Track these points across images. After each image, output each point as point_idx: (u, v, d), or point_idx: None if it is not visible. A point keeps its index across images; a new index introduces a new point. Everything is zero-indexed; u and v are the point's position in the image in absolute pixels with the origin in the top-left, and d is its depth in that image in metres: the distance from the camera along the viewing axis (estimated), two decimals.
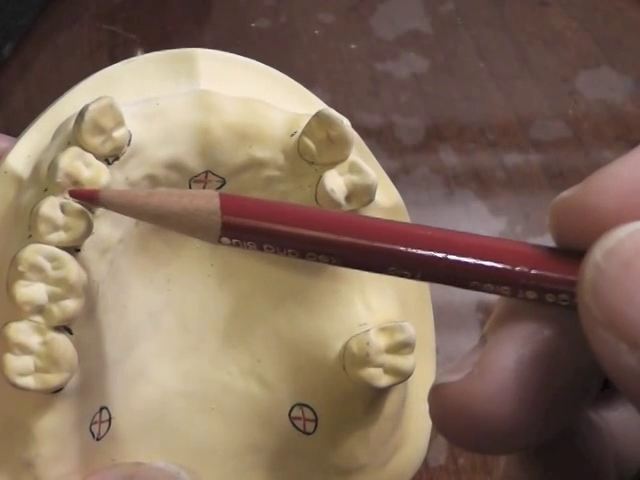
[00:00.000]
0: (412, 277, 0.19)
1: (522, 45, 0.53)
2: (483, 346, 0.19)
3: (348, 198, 0.26)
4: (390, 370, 0.25)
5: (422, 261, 0.19)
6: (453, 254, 0.19)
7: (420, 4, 0.54)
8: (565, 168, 0.48)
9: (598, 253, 0.17)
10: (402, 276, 0.20)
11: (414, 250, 0.19)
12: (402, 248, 0.19)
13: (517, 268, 0.19)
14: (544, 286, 0.19)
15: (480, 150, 0.49)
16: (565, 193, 0.19)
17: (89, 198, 0.22)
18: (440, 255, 0.19)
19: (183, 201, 0.21)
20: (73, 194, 0.23)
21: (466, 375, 0.18)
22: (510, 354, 0.18)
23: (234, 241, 0.21)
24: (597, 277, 0.16)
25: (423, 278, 0.19)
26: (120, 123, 0.24)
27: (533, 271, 0.19)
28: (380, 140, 0.48)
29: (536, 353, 0.18)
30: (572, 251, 0.18)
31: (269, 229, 0.20)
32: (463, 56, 0.52)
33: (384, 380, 0.26)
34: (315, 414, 0.27)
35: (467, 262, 0.19)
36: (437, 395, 0.19)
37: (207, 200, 0.21)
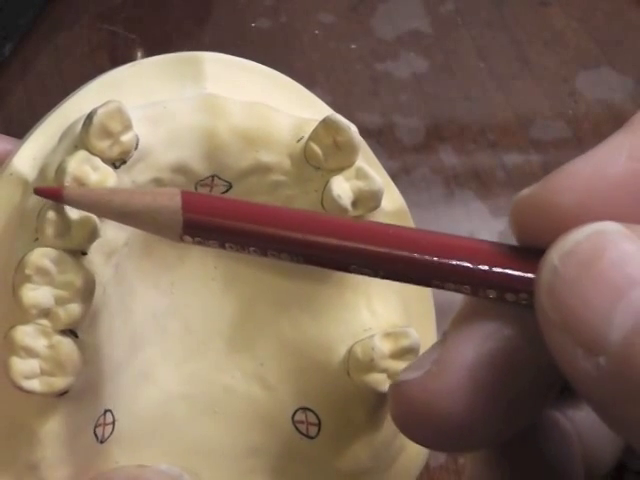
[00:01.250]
0: (374, 275, 0.19)
1: (522, 45, 0.53)
2: (443, 343, 0.19)
3: (354, 204, 0.26)
4: (394, 375, 0.25)
5: (383, 259, 0.19)
6: (412, 252, 0.19)
7: (420, 4, 0.54)
8: None
9: (555, 255, 0.17)
10: (363, 274, 0.19)
11: (374, 248, 0.19)
12: (362, 246, 0.19)
13: (477, 266, 0.18)
14: (504, 285, 0.18)
15: (480, 150, 0.49)
16: (525, 191, 0.18)
17: (53, 196, 0.22)
18: (400, 253, 0.19)
19: (146, 199, 0.20)
20: (37, 192, 0.22)
21: (425, 372, 0.18)
22: (468, 352, 0.18)
23: (196, 239, 0.20)
24: (554, 279, 0.16)
25: (385, 276, 0.19)
26: (128, 127, 0.24)
27: (493, 269, 0.18)
28: (380, 140, 0.48)
29: (495, 351, 0.18)
30: (533, 249, 0.18)
31: (229, 227, 0.20)
32: (463, 56, 0.52)
33: (388, 385, 0.26)
34: (318, 418, 0.27)
35: (427, 260, 0.19)
36: (396, 392, 0.19)
37: (169, 198, 0.20)
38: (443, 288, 0.19)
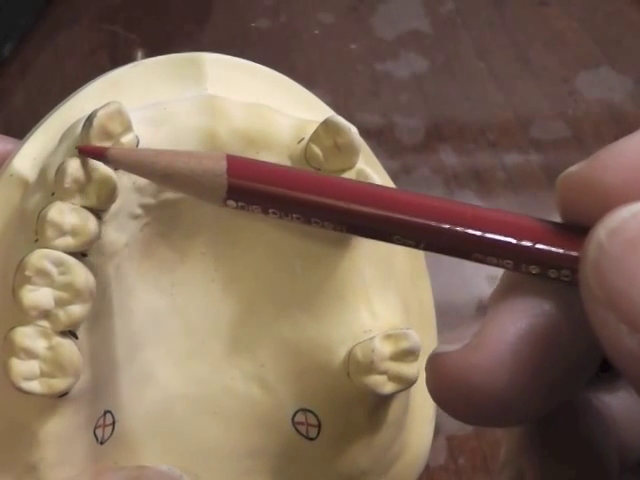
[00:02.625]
0: (416, 246, 0.19)
1: (522, 45, 0.53)
2: (482, 317, 0.19)
3: None
4: (394, 377, 0.25)
5: (427, 231, 0.19)
6: (457, 225, 0.19)
7: (420, 4, 0.54)
8: (565, 168, 0.48)
9: (602, 232, 0.17)
10: (406, 245, 0.20)
11: (419, 220, 0.19)
12: (407, 217, 0.19)
13: (520, 242, 0.19)
14: (547, 261, 0.18)
15: (480, 150, 0.49)
16: (572, 168, 0.18)
17: (97, 155, 0.22)
18: (444, 226, 0.19)
19: (191, 162, 0.20)
20: (82, 150, 0.22)
21: (464, 346, 0.18)
22: (509, 327, 0.18)
23: (239, 204, 0.20)
24: (600, 256, 0.16)
25: (427, 248, 0.19)
26: (128, 128, 0.24)
27: (537, 245, 0.18)
28: (380, 140, 0.48)
29: (535, 327, 0.18)
30: (577, 227, 0.18)
31: (275, 193, 0.20)
32: (463, 56, 0.52)
33: (388, 387, 0.26)
34: (318, 420, 0.27)
35: (471, 234, 0.19)
36: (434, 365, 0.19)
37: (214, 162, 0.20)
38: (485, 262, 0.19)
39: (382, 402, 0.26)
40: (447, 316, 0.40)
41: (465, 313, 0.43)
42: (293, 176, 0.20)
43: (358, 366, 0.26)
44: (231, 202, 0.20)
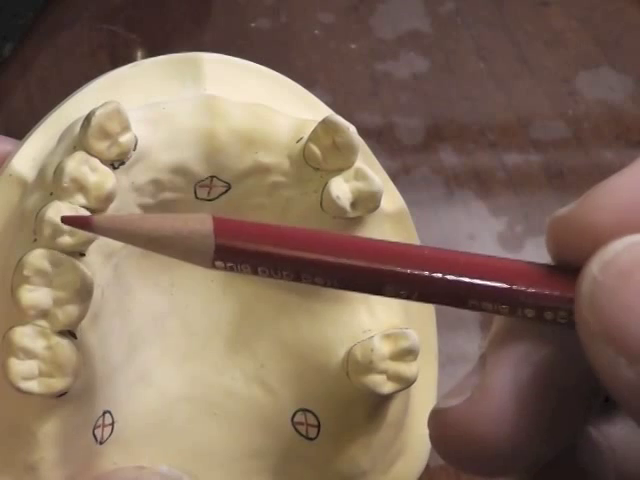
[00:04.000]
0: (408, 297, 0.19)
1: (522, 45, 0.53)
2: (482, 367, 0.19)
3: (354, 205, 0.26)
4: (394, 377, 0.25)
5: (419, 281, 0.19)
6: (450, 274, 0.19)
7: (420, 4, 0.54)
8: (565, 168, 0.48)
9: (595, 266, 0.17)
10: (398, 297, 0.19)
11: (410, 270, 0.19)
12: (399, 269, 0.19)
13: (515, 286, 0.19)
14: (543, 304, 0.18)
15: (480, 150, 0.48)
16: (563, 210, 0.18)
17: (82, 224, 0.21)
18: (437, 275, 0.19)
19: (176, 224, 0.20)
20: (66, 221, 0.22)
21: (466, 399, 0.18)
22: (508, 375, 0.18)
23: (228, 265, 0.20)
24: (594, 290, 0.16)
25: (420, 298, 0.19)
26: (126, 128, 0.24)
27: (530, 289, 0.18)
28: (380, 140, 0.48)
29: (534, 373, 0.18)
30: (570, 268, 0.18)
31: (263, 252, 0.20)
32: (463, 56, 0.52)
33: (387, 387, 0.26)
34: (318, 420, 0.27)
35: (465, 281, 0.19)
36: (437, 420, 0.19)
37: (200, 223, 0.20)
38: (480, 309, 0.19)
39: (382, 402, 0.26)
40: (447, 316, 0.40)
41: (465, 313, 0.43)
42: (280, 233, 0.20)
43: (357, 366, 0.26)
44: (219, 263, 0.20)
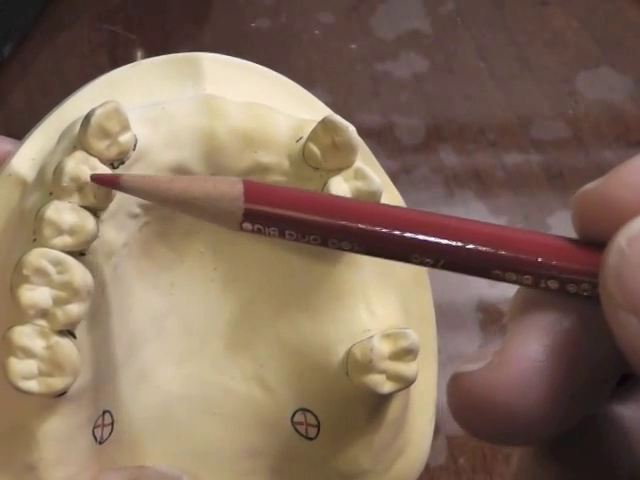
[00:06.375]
0: (433, 265, 0.20)
1: (522, 45, 0.53)
2: (502, 335, 0.19)
3: None
4: (393, 376, 0.25)
5: (445, 250, 0.19)
6: (477, 244, 0.19)
7: (420, 4, 0.54)
8: (565, 168, 0.48)
9: (622, 239, 0.17)
10: (423, 264, 0.20)
11: (437, 240, 0.19)
12: (425, 238, 0.19)
13: (540, 258, 0.19)
14: (567, 276, 0.19)
15: (480, 150, 0.49)
16: (589, 185, 0.19)
17: (111, 183, 0.22)
18: (463, 244, 0.19)
19: (206, 186, 0.20)
20: (95, 179, 0.22)
21: (487, 364, 0.18)
22: (531, 344, 0.18)
23: (256, 227, 0.20)
24: (621, 263, 0.17)
25: (445, 267, 0.20)
26: (126, 128, 0.24)
27: (555, 261, 0.19)
28: (380, 140, 0.49)
29: (556, 343, 0.18)
30: (594, 243, 0.18)
31: (292, 216, 0.20)
32: (463, 56, 0.52)
33: (387, 386, 0.26)
34: (317, 419, 0.27)
35: (490, 252, 0.19)
36: (457, 384, 0.19)
37: (230, 185, 0.20)
38: (504, 279, 0.19)
39: (381, 401, 0.26)
40: (447, 316, 0.40)
41: (465, 313, 0.43)
42: (309, 199, 0.20)
43: (357, 365, 0.26)
44: (247, 225, 0.20)
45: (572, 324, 0.18)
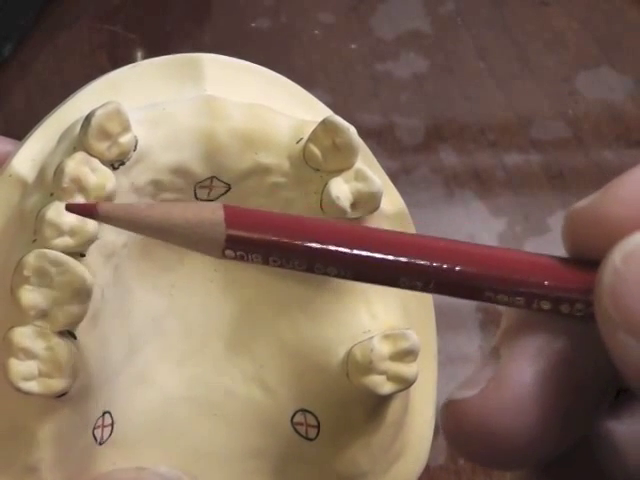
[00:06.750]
0: (423, 289, 0.19)
1: (522, 45, 0.53)
2: (495, 360, 0.19)
3: (353, 206, 0.26)
4: (393, 377, 0.25)
5: (434, 273, 0.19)
6: (466, 266, 0.19)
7: (420, 4, 0.54)
8: (565, 168, 0.48)
9: (617, 257, 0.17)
10: (413, 288, 0.19)
11: (426, 262, 0.19)
12: (414, 260, 0.19)
13: (532, 278, 0.19)
14: (560, 295, 0.18)
15: (480, 150, 0.49)
16: (581, 202, 0.18)
17: (87, 212, 0.21)
18: (453, 267, 0.19)
19: (186, 213, 0.20)
20: (70, 209, 0.21)
21: (481, 390, 0.18)
22: (525, 368, 0.18)
23: (238, 254, 0.20)
24: (616, 280, 0.17)
25: (435, 290, 0.19)
26: (126, 128, 0.24)
27: (547, 281, 0.18)
28: (380, 140, 0.48)
29: (550, 366, 0.18)
30: (586, 261, 0.18)
31: (275, 242, 0.19)
32: (463, 56, 0.52)
33: (387, 387, 0.25)
34: (317, 420, 0.27)
35: (481, 274, 0.19)
36: (452, 411, 0.19)
37: (211, 212, 0.20)
38: (495, 301, 0.19)
39: (381, 402, 0.26)
40: (447, 316, 0.40)
41: (465, 313, 0.43)
42: (293, 223, 0.20)
43: (357, 366, 0.26)
44: (230, 252, 0.20)
45: (564, 345, 0.18)
